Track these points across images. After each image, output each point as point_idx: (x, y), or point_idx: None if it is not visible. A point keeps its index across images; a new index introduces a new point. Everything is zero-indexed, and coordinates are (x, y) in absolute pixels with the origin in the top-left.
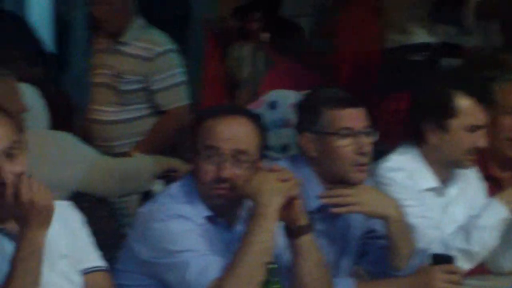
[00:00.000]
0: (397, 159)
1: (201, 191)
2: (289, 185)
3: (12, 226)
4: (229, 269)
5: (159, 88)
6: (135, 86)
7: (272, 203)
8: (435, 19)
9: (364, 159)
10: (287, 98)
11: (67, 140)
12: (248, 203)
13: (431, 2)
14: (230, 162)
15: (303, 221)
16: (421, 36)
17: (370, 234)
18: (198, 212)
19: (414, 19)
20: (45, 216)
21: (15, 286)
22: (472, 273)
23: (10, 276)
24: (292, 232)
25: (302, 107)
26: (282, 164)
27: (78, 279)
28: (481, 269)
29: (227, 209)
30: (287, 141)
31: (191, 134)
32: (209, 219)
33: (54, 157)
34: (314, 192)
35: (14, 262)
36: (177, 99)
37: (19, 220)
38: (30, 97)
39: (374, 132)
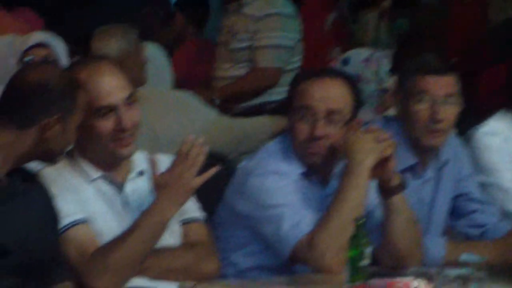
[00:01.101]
0: (493, 125)
1: (296, 149)
2: (384, 145)
3: (116, 174)
4: (321, 224)
5: (259, 46)
6: (244, 44)
7: (366, 162)
8: None
9: (439, 125)
10: (359, 55)
11: (187, 99)
12: (342, 161)
13: None
14: (323, 121)
15: (395, 180)
16: None
17: (463, 197)
18: (293, 169)
19: None
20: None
21: (129, 247)
22: None
23: (129, 234)
24: (384, 190)
25: (392, 69)
26: (377, 124)
27: (177, 229)
28: None
29: (321, 166)
30: (364, 96)
31: (288, 94)
32: (304, 175)
33: (174, 114)
34: (405, 151)
35: (135, 225)
36: (270, 59)
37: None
38: (154, 55)
39: (456, 101)
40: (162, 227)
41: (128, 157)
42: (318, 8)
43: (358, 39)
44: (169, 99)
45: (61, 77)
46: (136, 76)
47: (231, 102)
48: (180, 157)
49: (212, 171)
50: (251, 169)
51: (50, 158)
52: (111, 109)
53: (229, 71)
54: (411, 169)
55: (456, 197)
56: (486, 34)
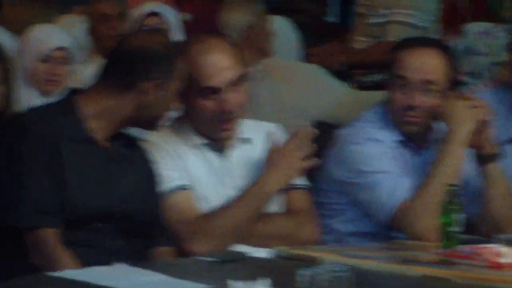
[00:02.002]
0: None
1: (393, 117)
2: (479, 111)
3: (221, 141)
4: (418, 191)
5: (392, 21)
6: (382, 20)
7: (462, 129)
8: None
9: None
10: (476, 28)
11: (315, 72)
12: (438, 129)
13: None
14: (419, 91)
15: (492, 149)
16: None
17: None
18: (390, 136)
19: None
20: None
21: (233, 216)
22: None
23: (234, 202)
24: (481, 158)
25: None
26: (483, 95)
27: (280, 195)
28: None
29: (417, 135)
30: (477, 68)
31: (388, 63)
32: (401, 143)
33: (301, 86)
34: (509, 122)
35: (241, 194)
36: (399, 35)
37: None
38: (283, 27)
39: None
40: (267, 199)
41: (228, 138)
42: None
43: (497, 15)
44: (297, 72)
45: (161, 44)
46: (261, 48)
47: (359, 71)
48: (294, 138)
49: (322, 155)
50: (349, 137)
51: (150, 123)
52: (214, 90)
53: (366, 43)
54: None
55: None
56: None
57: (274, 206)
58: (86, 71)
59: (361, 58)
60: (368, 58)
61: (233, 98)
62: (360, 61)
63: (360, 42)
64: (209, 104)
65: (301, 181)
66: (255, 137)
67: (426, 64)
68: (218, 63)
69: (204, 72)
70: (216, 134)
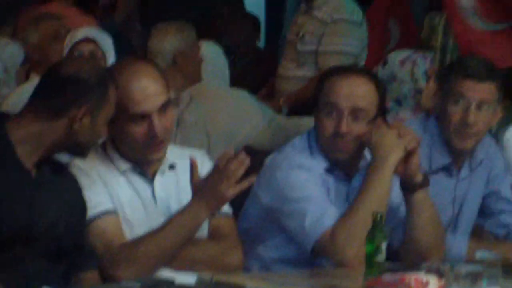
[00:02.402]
0: None
1: (321, 144)
2: (407, 140)
3: (147, 166)
4: (344, 219)
5: (325, 51)
6: (310, 48)
7: (390, 157)
8: None
9: (469, 129)
10: (397, 55)
11: (244, 98)
12: (367, 157)
13: None
14: (348, 118)
15: (419, 177)
16: None
17: (493, 196)
18: (318, 163)
19: None
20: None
21: (158, 245)
22: None
23: (160, 231)
24: (408, 186)
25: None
26: (413, 123)
27: (205, 222)
28: None
29: (345, 162)
30: (400, 95)
31: (315, 91)
32: (328, 170)
33: (229, 111)
34: (440, 151)
35: (167, 223)
36: (332, 65)
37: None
38: (213, 54)
39: (492, 108)
40: (193, 229)
41: (158, 160)
42: (382, 11)
43: (425, 43)
44: (226, 97)
45: (94, 71)
46: (190, 74)
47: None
48: (219, 168)
49: (250, 180)
50: (277, 163)
51: (79, 150)
52: (144, 116)
53: (293, 71)
54: (445, 168)
55: (486, 196)
56: None
57: (200, 231)
58: (21, 95)
59: (299, 97)
60: (305, 95)
61: (161, 123)
62: (299, 100)
63: (288, 68)
64: (137, 129)
65: (227, 207)
66: (180, 163)
67: (355, 91)
68: (147, 89)
69: (133, 98)
70: (143, 159)
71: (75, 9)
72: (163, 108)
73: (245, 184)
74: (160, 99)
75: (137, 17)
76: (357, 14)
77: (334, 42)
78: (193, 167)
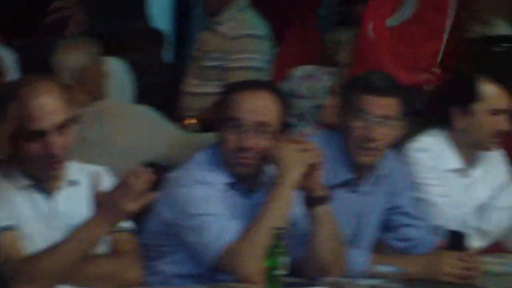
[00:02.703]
0: (424, 140)
1: (224, 159)
2: (309, 155)
3: (47, 183)
4: (245, 234)
5: (232, 67)
6: (214, 63)
7: (291, 173)
8: None
9: (372, 144)
10: (301, 72)
11: (147, 114)
12: (268, 172)
13: None
14: (251, 132)
15: (321, 191)
16: (503, 28)
17: (395, 210)
18: (219, 179)
19: (497, 11)
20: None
21: (58, 259)
22: (490, 251)
23: (59, 246)
24: (310, 201)
25: (343, 90)
26: (315, 138)
27: (105, 238)
28: (500, 248)
29: (248, 177)
30: (301, 110)
31: (218, 106)
32: (230, 185)
33: (133, 128)
34: (342, 166)
35: (67, 238)
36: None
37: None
38: (117, 69)
39: (394, 123)
40: (92, 243)
41: (55, 180)
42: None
43: (330, 59)
44: (129, 113)
45: None
46: (95, 90)
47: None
48: (121, 183)
49: (152, 196)
50: (178, 179)
51: None
52: (41, 133)
53: (198, 87)
54: (347, 183)
55: (389, 210)
56: None
57: (100, 247)
58: None
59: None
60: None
61: (59, 141)
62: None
63: (193, 85)
64: (35, 147)
65: (127, 223)
66: (82, 179)
67: (259, 106)
68: (45, 106)
69: (31, 115)
70: (42, 176)
71: None
72: (63, 126)
73: (146, 199)
74: (58, 117)
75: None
76: (263, 28)
77: (241, 58)
78: (95, 182)
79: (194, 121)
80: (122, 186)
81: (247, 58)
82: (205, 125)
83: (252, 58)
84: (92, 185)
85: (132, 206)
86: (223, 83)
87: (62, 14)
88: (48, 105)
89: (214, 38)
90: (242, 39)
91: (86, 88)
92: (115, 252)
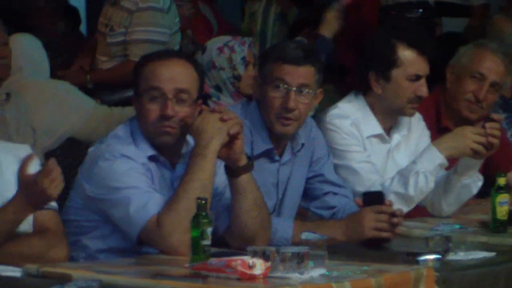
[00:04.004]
0: (344, 107)
1: (145, 131)
2: (230, 124)
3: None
4: (168, 205)
5: (131, 40)
6: (119, 39)
7: (212, 143)
8: None
9: (290, 114)
10: (215, 43)
11: (65, 90)
12: (189, 143)
13: None
14: (172, 101)
15: (243, 161)
16: None
17: (317, 179)
18: (141, 152)
19: None
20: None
21: None
22: (413, 216)
23: None
24: (232, 171)
25: (259, 60)
26: (234, 108)
27: (29, 215)
28: (422, 213)
29: (170, 149)
30: (219, 81)
31: (134, 78)
32: (152, 158)
33: (52, 104)
34: (262, 136)
35: None
36: (140, 54)
37: None
38: (31, 47)
39: (311, 92)
40: (16, 224)
41: None
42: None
43: (246, 29)
44: (47, 90)
45: None
46: None
47: (106, 90)
48: (46, 171)
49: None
50: (99, 153)
51: None
52: None
53: (106, 63)
54: (267, 153)
55: (310, 179)
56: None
57: (24, 226)
58: None
59: (107, 77)
60: (112, 77)
61: None
62: (106, 80)
63: (101, 61)
64: None
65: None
66: (4, 158)
67: (177, 74)
68: None
69: None
70: None
71: None
72: None
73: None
74: None
75: None
76: (163, 1)
77: (140, 31)
78: (23, 163)
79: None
80: (48, 172)
81: (146, 31)
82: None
83: (151, 31)
84: (15, 164)
85: (57, 192)
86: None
87: None
88: None
89: (116, 13)
90: (141, 12)
91: None
92: (39, 230)
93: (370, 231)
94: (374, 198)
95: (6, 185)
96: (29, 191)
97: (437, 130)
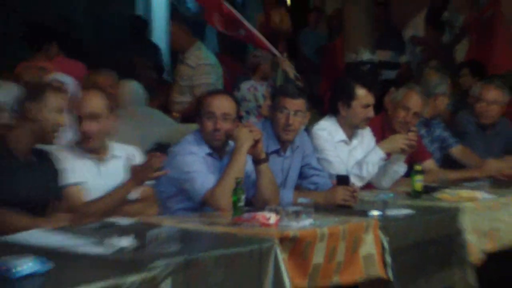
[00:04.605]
0: (322, 123)
1: (205, 138)
2: (254, 134)
3: (99, 155)
4: (218, 182)
5: (195, 84)
6: (187, 83)
7: (244, 145)
8: (378, 45)
9: (289, 128)
10: (245, 84)
11: (156, 113)
12: (231, 145)
13: (376, 33)
14: (220, 119)
15: (262, 155)
16: (367, 55)
17: (306, 166)
18: (202, 150)
19: (362, 45)
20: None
21: (103, 204)
22: (364, 188)
23: (105, 197)
24: (256, 161)
25: (272, 95)
26: (257, 124)
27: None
28: (370, 187)
29: (219, 149)
30: (246, 109)
31: (198, 105)
32: (209, 154)
33: (148, 122)
34: (273, 141)
35: (109, 192)
36: (201, 92)
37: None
38: (136, 90)
39: (303, 115)
40: (124, 197)
41: (102, 151)
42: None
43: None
44: (145, 114)
45: None
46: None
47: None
48: (145, 162)
49: (162, 173)
50: (177, 151)
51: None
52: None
53: (178, 98)
54: (276, 151)
55: (302, 167)
56: None
57: (132, 195)
58: None
59: (186, 110)
60: (188, 109)
61: (89, 126)
62: (185, 114)
63: (175, 97)
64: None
65: (149, 181)
66: (122, 154)
67: (223, 103)
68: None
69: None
70: (90, 150)
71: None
72: (95, 116)
73: (161, 173)
74: (90, 109)
75: None
76: (211, 58)
77: (200, 78)
78: (131, 158)
79: (177, 115)
80: (147, 163)
81: (203, 78)
82: (184, 117)
83: (206, 78)
84: (128, 159)
85: (152, 174)
86: (191, 95)
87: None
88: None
89: (184, 68)
90: (200, 66)
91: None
92: (142, 198)
93: (340, 201)
94: (342, 179)
95: (121, 173)
96: (135, 174)
97: (382, 138)
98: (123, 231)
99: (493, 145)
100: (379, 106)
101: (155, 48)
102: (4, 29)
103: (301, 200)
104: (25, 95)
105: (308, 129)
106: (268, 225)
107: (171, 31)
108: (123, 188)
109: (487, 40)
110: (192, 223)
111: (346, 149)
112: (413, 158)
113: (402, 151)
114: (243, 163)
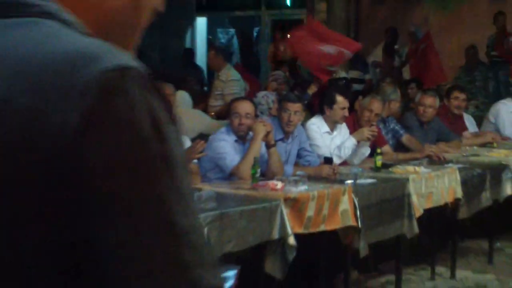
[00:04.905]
0: (313, 120)
1: (233, 130)
2: (267, 127)
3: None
4: (242, 160)
5: (226, 93)
6: (219, 92)
7: (259, 135)
8: (350, 67)
9: (290, 123)
10: (260, 93)
11: (198, 112)
12: (250, 134)
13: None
14: (243, 117)
15: (272, 142)
16: (343, 74)
17: (302, 149)
18: (231, 138)
19: (340, 66)
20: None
21: None
22: (342, 165)
23: None
24: (267, 146)
25: (278, 100)
26: (269, 121)
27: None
28: (346, 164)
29: (243, 136)
30: (261, 110)
31: (229, 108)
32: (236, 141)
33: (193, 119)
34: (279, 131)
35: None
36: (230, 99)
37: None
38: (186, 97)
39: (301, 114)
40: None
41: None
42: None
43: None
44: (191, 113)
45: None
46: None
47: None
48: (191, 146)
49: (202, 155)
50: (213, 138)
51: None
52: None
53: (214, 103)
54: (281, 139)
55: (299, 150)
56: None
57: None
58: None
59: (222, 110)
60: (223, 110)
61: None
62: (222, 112)
63: (213, 102)
64: None
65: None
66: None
67: (246, 106)
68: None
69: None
70: None
71: None
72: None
73: (202, 154)
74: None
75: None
76: (237, 76)
77: (229, 90)
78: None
79: (213, 115)
80: (192, 147)
81: (231, 89)
82: (218, 116)
83: (234, 89)
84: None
85: (196, 155)
86: (223, 101)
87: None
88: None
89: (218, 83)
90: (228, 81)
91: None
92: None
93: (325, 174)
94: (327, 160)
95: None
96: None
97: (353, 130)
98: None
99: (429, 136)
100: (351, 109)
101: (198, 69)
102: None
103: (298, 173)
104: None
105: (303, 124)
106: (276, 190)
107: (209, 57)
108: None
109: (424, 63)
110: (224, 188)
111: (329, 138)
112: (375, 144)
113: (368, 139)
114: (259, 147)
